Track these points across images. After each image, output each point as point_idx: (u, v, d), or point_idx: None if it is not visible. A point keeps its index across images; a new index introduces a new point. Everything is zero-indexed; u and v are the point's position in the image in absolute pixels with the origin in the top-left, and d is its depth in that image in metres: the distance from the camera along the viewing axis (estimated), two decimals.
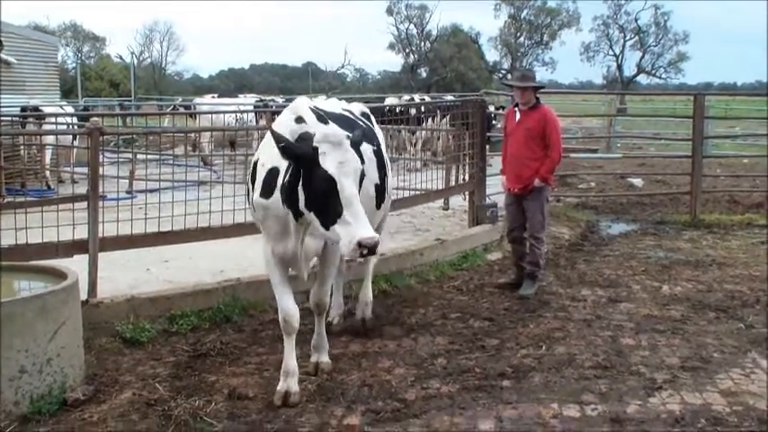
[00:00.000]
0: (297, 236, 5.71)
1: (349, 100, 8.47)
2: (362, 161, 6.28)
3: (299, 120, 5.70)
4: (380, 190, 6.88)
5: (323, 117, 5.92)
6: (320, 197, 5.22)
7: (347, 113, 7.03)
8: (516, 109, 9.17)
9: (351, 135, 5.67)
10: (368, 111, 7.72)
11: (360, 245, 4.99)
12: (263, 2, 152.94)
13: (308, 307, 7.64)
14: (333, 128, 5.54)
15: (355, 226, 5.07)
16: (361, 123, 6.96)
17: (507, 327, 7.74)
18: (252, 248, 5.67)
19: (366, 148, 6.48)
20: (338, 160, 5.20)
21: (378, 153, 6.89)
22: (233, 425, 5.51)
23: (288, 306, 5.97)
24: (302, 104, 6.05)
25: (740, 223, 13.70)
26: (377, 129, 7.59)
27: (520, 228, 9.25)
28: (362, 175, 5.43)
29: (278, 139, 5.44)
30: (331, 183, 5.15)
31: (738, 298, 8.77)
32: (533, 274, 9.03)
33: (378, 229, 7.36)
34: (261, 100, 26.77)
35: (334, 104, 7.23)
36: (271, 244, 5.93)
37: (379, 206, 6.95)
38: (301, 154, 5.30)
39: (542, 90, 9.75)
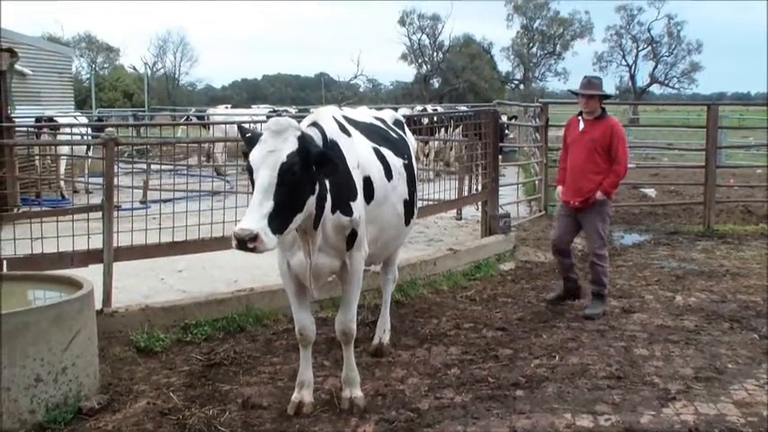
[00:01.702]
0: (304, 247, 5.41)
1: (379, 109, 8.37)
2: (391, 175, 6.17)
3: (315, 125, 5.48)
4: (409, 206, 6.61)
5: (344, 127, 5.84)
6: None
7: (378, 123, 6.82)
8: (580, 118, 8.74)
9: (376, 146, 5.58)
10: (401, 118, 7.50)
11: (233, 235, 4.69)
12: (275, 12, 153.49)
13: (322, 317, 7.69)
14: (283, 118, 5.24)
15: (243, 216, 4.78)
16: (393, 134, 6.82)
17: (520, 337, 7.73)
18: (266, 258, 5.65)
19: (396, 162, 6.38)
20: (267, 149, 4.90)
21: (408, 167, 6.65)
22: None
23: (304, 319, 5.87)
24: (325, 112, 5.90)
25: (754, 233, 13.66)
26: (409, 137, 7.36)
27: (567, 241, 8.85)
28: (285, 168, 4.84)
29: (244, 131, 5.36)
30: (251, 172, 4.94)
31: (752, 308, 8.74)
32: (599, 293, 8.64)
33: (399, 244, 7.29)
34: (274, 110, 26.86)
35: (364, 113, 7.06)
36: (285, 255, 5.68)
37: (407, 222, 6.69)
38: (251, 143, 5.07)
39: (608, 101, 9.22)
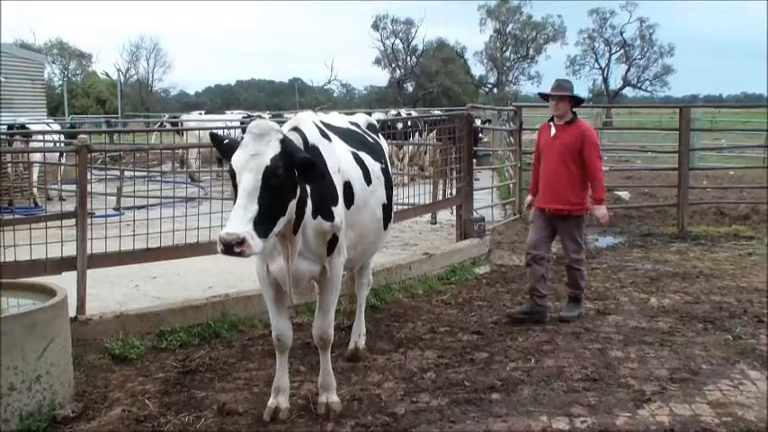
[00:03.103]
0: (284, 253, 5.40)
1: (350, 113, 8.35)
2: (370, 179, 6.20)
3: (296, 130, 5.50)
4: (387, 210, 6.64)
5: (325, 132, 5.83)
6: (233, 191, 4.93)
7: (354, 128, 6.83)
8: (552, 123, 8.63)
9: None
10: (374, 122, 7.52)
11: (219, 240, 4.62)
12: (249, 17, 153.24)
13: (297, 322, 7.67)
14: (265, 121, 5.25)
15: (228, 221, 4.72)
16: (369, 139, 6.84)
17: (496, 340, 7.74)
18: (240, 264, 5.62)
19: (375, 166, 6.41)
20: (249, 153, 4.84)
21: (385, 171, 6.68)
22: None
23: (281, 325, 5.83)
24: (305, 118, 5.88)
25: (727, 235, 13.77)
26: (382, 140, 7.36)
27: (542, 248, 8.60)
28: (269, 172, 4.80)
29: (216, 138, 5.32)
30: (233, 175, 4.90)
31: (726, 309, 8.80)
32: (576, 296, 8.64)
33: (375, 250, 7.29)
34: (248, 116, 26.75)
35: (338, 118, 7.04)
36: (265, 261, 5.64)
37: (386, 226, 6.73)
38: (229, 149, 5.04)
39: (580, 105, 9.01)
